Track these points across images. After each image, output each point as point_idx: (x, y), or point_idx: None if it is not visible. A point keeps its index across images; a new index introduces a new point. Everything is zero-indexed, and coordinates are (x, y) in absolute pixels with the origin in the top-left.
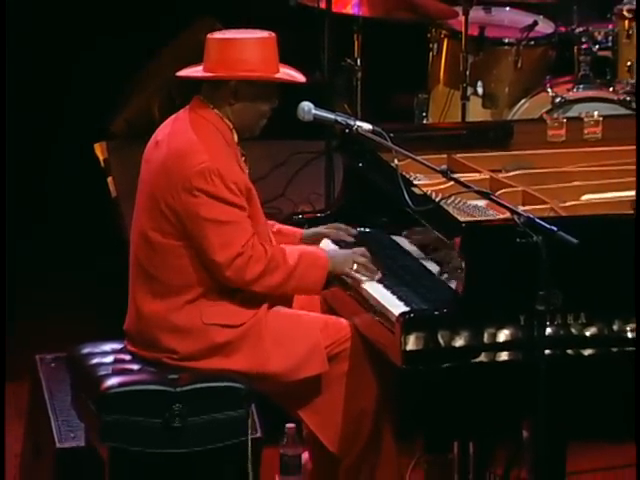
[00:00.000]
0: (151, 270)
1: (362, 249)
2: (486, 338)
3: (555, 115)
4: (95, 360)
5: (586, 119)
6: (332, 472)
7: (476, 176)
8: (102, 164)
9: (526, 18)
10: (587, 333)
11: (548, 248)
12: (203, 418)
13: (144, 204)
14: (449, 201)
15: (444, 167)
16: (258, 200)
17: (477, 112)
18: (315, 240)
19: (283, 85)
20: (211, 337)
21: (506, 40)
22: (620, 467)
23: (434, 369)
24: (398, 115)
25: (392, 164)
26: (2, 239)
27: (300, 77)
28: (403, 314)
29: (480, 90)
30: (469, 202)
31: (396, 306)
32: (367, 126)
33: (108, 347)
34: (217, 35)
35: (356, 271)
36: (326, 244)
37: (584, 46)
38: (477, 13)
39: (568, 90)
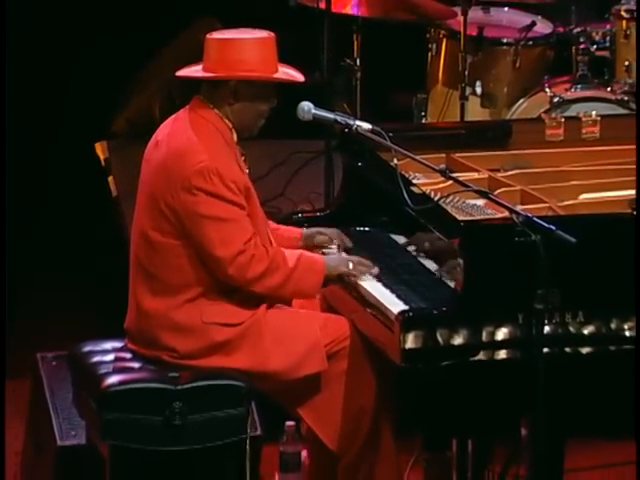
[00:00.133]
0: (151, 269)
1: (357, 257)
2: (485, 336)
3: (553, 115)
4: (96, 358)
5: (584, 119)
6: (331, 470)
7: (475, 175)
8: (103, 164)
9: (524, 18)
10: (585, 331)
11: (546, 247)
12: (203, 416)
13: (144, 204)
14: (448, 200)
15: (443, 166)
16: (257, 200)
17: (476, 112)
18: (317, 245)
19: (283, 85)
20: (211, 336)
21: (504, 40)
22: (618, 464)
23: (433, 367)
24: (397, 115)
25: (391, 163)
26: (2, 239)
27: (299, 76)
28: (402, 312)
29: (479, 90)
30: (468, 201)
31: (395, 304)
32: (366, 126)
33: (109, 345)
34: (216, 35)
35: (352, 269)
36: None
37: (582, 46)
38: (476, 13)
39: (566, 90)
